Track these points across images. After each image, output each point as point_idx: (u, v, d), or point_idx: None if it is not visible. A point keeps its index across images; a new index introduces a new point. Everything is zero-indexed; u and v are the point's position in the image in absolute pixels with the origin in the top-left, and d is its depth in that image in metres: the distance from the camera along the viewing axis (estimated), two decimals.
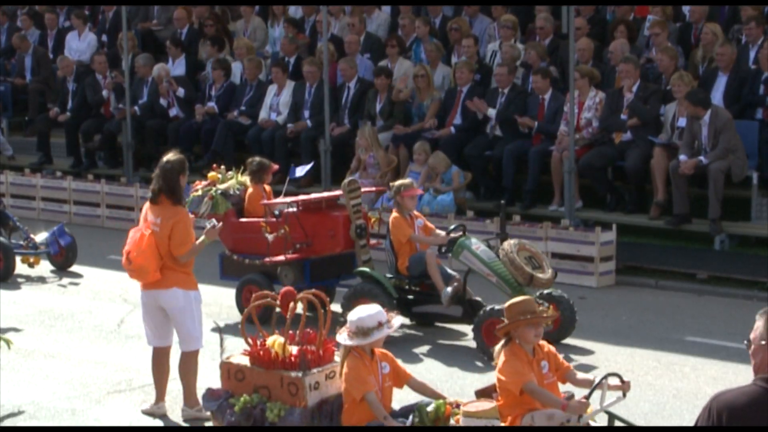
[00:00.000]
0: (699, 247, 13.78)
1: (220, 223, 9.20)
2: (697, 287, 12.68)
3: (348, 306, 10.38)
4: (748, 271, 12.69)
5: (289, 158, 16.72)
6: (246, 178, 11.80)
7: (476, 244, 10.71)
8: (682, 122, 13.67)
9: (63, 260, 14.04)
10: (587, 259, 13.08)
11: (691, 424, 8.66)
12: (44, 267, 13.95)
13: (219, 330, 8.10)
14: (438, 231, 11.25)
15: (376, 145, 15.46)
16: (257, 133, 16.81)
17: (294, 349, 7.36)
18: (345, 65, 16.54)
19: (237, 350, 7.89)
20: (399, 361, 7.63)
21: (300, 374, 7.21)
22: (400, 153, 15.54)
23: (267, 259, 11.32)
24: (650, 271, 13.27)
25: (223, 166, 11.87)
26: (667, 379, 9.83)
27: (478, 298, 10.87)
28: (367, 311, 7.18)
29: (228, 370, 7.55)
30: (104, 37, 20.72)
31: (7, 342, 9.25)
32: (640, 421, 8.84)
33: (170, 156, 8.73)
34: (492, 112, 15.11)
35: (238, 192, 11.68)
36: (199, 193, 11.42)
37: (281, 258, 11.27)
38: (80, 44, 20.12)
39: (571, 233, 13.24)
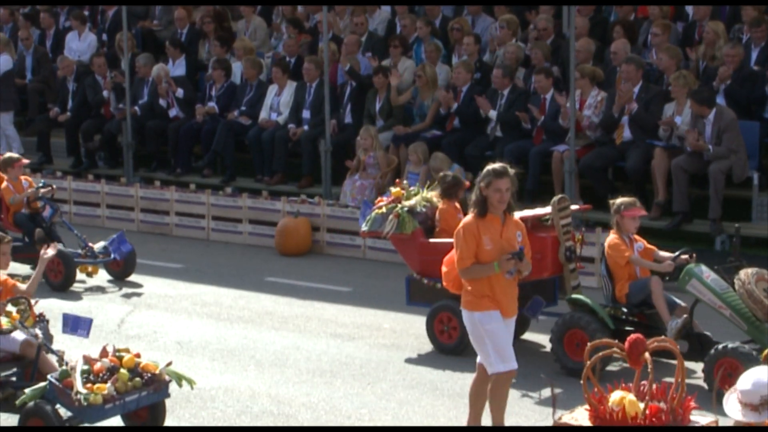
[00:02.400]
0: (699, 247, 13.75)
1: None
2: None
3: (559, 338, 9.92)
4: None
5: (290, 158, 16.75)
6: (431, 194, 10.99)
7: (707, 272, 9.68)
8: (678, 120, 13.66)
9: (121, 269, 13.50)
10: (587, 259, 13.05)
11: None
12: (102, 276, 13.53)
13: (550, 382, 7.68)
14: (662, 253, 10.19)
15: (377, 145, 15.46)
16: (257, 133, 16.81)
17: (643, 406, 6.26)
18: (348, 63, 16.53)
19: None
20: None
21: None
22: (400, 153, 15.54)
23: None
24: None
25: (406, 181, 11.05)
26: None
27: (707, 333, 9.82)
28: None
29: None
30: (104, 37, 20.71)
31: (190, 382, 8.35)
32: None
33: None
34: (493, 114, 15.10)
35: (424, 209, 10.86)
36: (383, 210, 10.73)
37: None
38: (80, 45, 20.11)
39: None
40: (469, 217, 8.10)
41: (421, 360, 10.44)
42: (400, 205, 10.75)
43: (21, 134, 19.65)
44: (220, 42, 18.25)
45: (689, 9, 16.08)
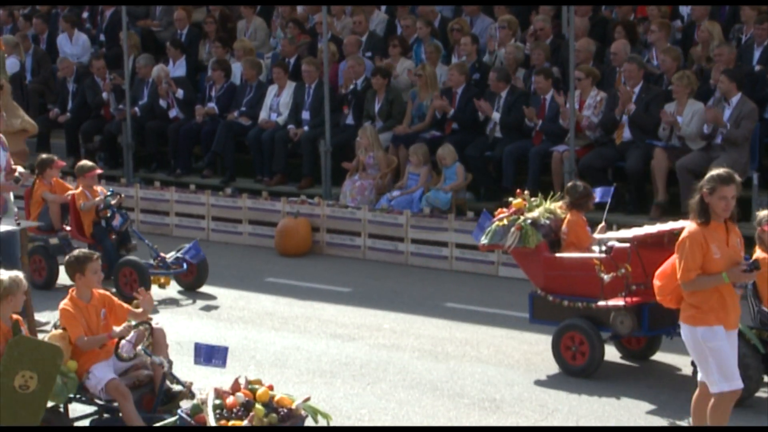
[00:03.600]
0: None
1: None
2: None
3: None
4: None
5: (289, 159, 16.75)
6: (554, 206, 10.38)
7: None
8: (680, 119, 13.65)
9: (192, 280, 12.93)
10: None
11: (691, 424, 8.69)
12: (173, 288, 13.00)
13: None
14: None
15: (376, 146, 15.45)
16: (257, 133, 16.81)
17: None
18: (353, 62, 16.53)
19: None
20: None
21: None
22: (400, 153, 15.54)
23: (601, 303, 9.70)
24: None
25: (527, 192, 10.47)
26: (667, 379, 9.83)
27: None
28: None
29: None
30: (101, 37, 20.73)
31: (326, 417, 7.73)
32: (640, 422, 8.84)
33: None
34: (496, 116, 15.09)
35: (547, 221, 10.24)
36: (505, 223, 10.10)
37: (620, 303, 9.64)
38: (73, 48, 20.11)
39: None
40: (693, 225, 7.66)
41: (421, 360, 10.44)
42: (522, 217, 10.11)
43: None
44: (222, 43, 18.26)
45: (686, 9, 16.07)
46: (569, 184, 10.82)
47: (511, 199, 10.43)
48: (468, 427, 8.66)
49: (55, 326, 8.32)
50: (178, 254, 12.87)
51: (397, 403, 9.32)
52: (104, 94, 18.58)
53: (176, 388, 8.13)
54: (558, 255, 10.12)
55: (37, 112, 19.91)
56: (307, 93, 16.74)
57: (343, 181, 15.54)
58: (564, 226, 10.28)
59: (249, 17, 19.18)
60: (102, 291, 8.40)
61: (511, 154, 14.74)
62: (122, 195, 13.45)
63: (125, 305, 8.42)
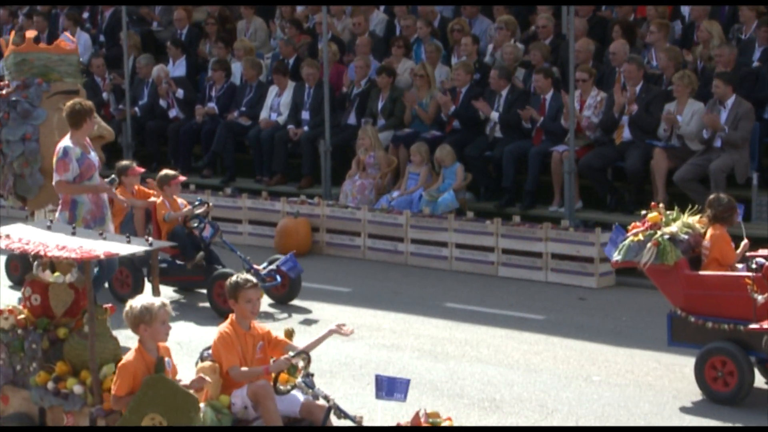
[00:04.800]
0: None
1: None
2: None
3: None
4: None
5: (289, 159, 16.75)
6: (693, 220, 9.73)
7: None
8: (680, 119, 13.65)
9: (284, 293, 12.35)
10: (587, 259, 13.07)
11: (692, 425, 8.68)
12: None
13: None
14: None
15: (376, 145, 15.46)
16: (257, 133, 16.81)
17: None
18: (362, 62, 16.53)
19: None
20: None
21: None
22: (399, 153, 15.54)
23: (753, 326, 8.99)
24: None
25: (662, 205, 9.84)
26: (667, 380, 9.83)
27: None
28: None
29: None
30: (101, 38, 20.72)
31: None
32: (640, 422, 8.84)
33: None
34: (495, 116, 15.09)
35: (686, 237, 9.54)
36: (640, 238, 9.47)
37: None
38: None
39: (571, 234, 13.24)
40: None
41: (420, 360, 10.44)
42: (659, 232, 9.43)
43: None
44: (225, 43, 18.26)
45: (686, 10, 16.08)
46: (711, 196, 9.97)
47: (644, 212, 9.78)
48: (468, 427, 8.66)
49: (202, 357, 7.71)
50: (272, 266, 12.26)
51: (397, 403, 9.31)
52: (104, 94, 18.59)
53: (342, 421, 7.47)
54: (701, 273, 9.44)
55: None
56: (306, 93, 16.74)
57: (342, 181, 15.54)
58: (706, 241, 9.59)
59: (249, 17, 19.18)
60: (261, 325, 7.83)
61: (511, 154, 14.74)
62: (210, 204, 12.95)
63: (282, 339, 7.78)
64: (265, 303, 11.93)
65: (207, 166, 17.41)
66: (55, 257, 7.33)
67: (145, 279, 12.33)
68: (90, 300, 7.34)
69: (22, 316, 7.94)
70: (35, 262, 8.06)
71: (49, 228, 7.84)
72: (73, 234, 7.66)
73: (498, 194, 15.00)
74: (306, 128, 16.56)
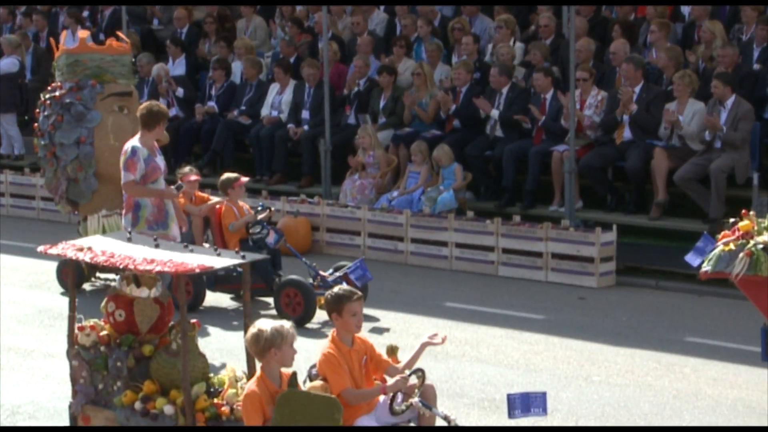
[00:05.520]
0: None
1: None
2: (697, 288, 12.65)
3: None
4: None
5: (289, 158, 16.74)
6: None
7: None
8: (681, 118, 13.64)
9: None
10: (587, 259, 13.07)
11: (692, 425, 8.68)
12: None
13: None
14: None
15: (376, 145, 15.45)
16: (257, 132, 16.81)
17: None
18: (360, 62, 16.53)
19: None
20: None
21: None
22: (399, 153, 15.54)
23: None
24: (650, 272, 13.26)
25: (752, 212, 9.26)
26: (667, 379, 9.82)
27: None
28: None
29: None
30: (101, 36, 20.70)
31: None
32: (640, 422, 8.84)
33: None
34: (495, 113, 15.09)
35: None
36: (731, 248, 8.92)
37: None
38: (75, 45, 20.08)
39: (571, 234, 13.23)
40: None
41: (420, 359, 10.41)
42: (752, 242, 8.90)
43: (21, 133, 19.66)
44: (225, 42, 18.26)
45: (687, 9, 16.07)
46: None
47: (734, 219, 9.16)
48: (468, 427, 8.64)
49: (310, 376, 7.20)
50: (339, 273, 11.75)
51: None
52: None
53: None
54: None
55: (37, 110, 19.92)
56: (307, 92, 16.74)
57: (343, 181, 15.54)
58: None
59: (249, 16, 19.18)
60: (362, 336, 7.37)
61: (511, 154, 14.73)
62: (272, 209, 12.57)
63: (384, 359, 7.43)
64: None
65: (207, 165, 17.39)
66: (147, 271, 6.88)
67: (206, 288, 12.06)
68: (183, 315, 6.92)
69: (105, 332, 7.51)
70: (117, 276, 7.56)
71: (129, 240, 7.44)
72: (157, 246, 7.25)
73: (498, 194, 14.99)
74: (306, 127, 16.56)
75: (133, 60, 12.95)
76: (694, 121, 13.58)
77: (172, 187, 11.10)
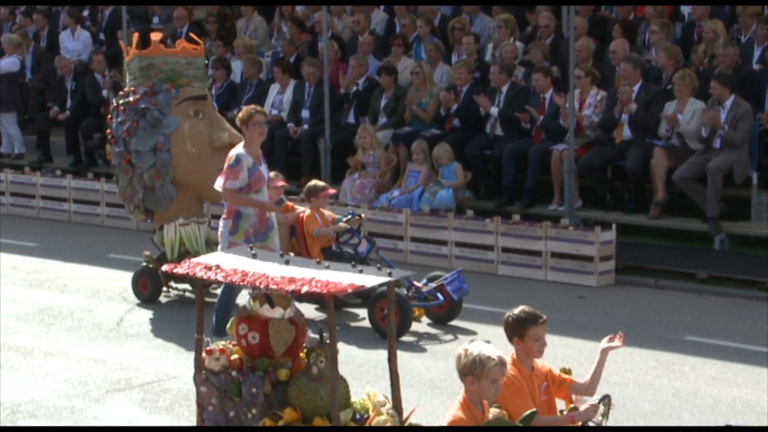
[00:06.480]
0: (699, 246, 13.78)
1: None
2: (696, 287, 12.67)
3: None
4: (748, 271, 12.69)
5: (289, 157, 16.74)
6: None
7: None
8: (680, 117, 13.65)
9: (444, 313, 11.37)
10: (587, 258, 13.07)
11: (691, 424, 8.68)
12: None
13: None
14: None
15: (376, 144, 15.46)
16: None
17: None
18: (355, 62, 16.54)
19: None
20: None
21: None
22: (399, 152, 15.54)
23: None
24: (650, 271, 13.26)
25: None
26: (667, 378, 9.83)
27: None
28: None
29: None
30: (102, 36, 20.72)
31: None
32: (639, 421, 8.84)
33: None
34: (495, 111, 15.11)
35: None
36: None
37: None
38: (75, 44, 20.13)
39: (570, 233, 13.24)
40: None
41: (420, 359, 10.43)
42: None
43: (21, 133, 19.70)
44: (225, 41, 18.26)
45: (687, 9, 16.08)
46: None
47: None
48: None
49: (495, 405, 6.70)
50: (434, 284, 11.30)
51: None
52: (104, 92, 18.58)
53: None
54: None
55: (36, 110, 19.96)
56: (307, 92, 16.76)
57: (342, 180, 15.54)
58: None
59: (249, 16, 19.19)
60: (542, 362, 6.90)
61: (510, 153, 14.75)
62: (362, 216, 12.16)
63: (567, 377, 6.94)
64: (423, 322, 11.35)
65: None
66: (294, 291, 6.22)
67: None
68: (332, 338, 6.41)
69: (236, 356, 6.91)
70: (247, 296, 6.97)
71: (254, 256, 6.83)
72: (287, 263, 6.62)
73: (498, 193, 15.00)
74: (306, 126, 16.56)
75: (207, 62, 12.38)
76: (693, 121, 13.59)
77: (274, 200, 10.78)
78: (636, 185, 14.10)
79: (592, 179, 14.36)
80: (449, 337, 11.11)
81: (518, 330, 6.64)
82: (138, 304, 12.24)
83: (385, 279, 6.46)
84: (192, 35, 12.89)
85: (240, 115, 10.44)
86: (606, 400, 6.74)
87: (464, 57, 16.11)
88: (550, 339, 10.88)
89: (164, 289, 12.35)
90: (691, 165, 13.40)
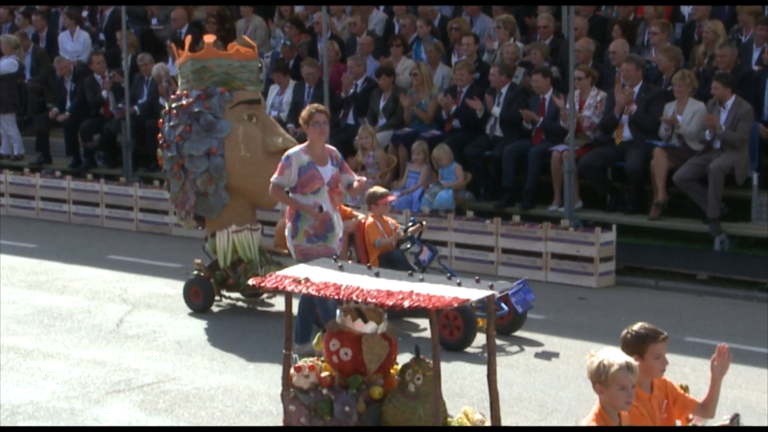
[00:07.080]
0: (699, 247, 13.77)
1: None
2: (697, 288, 12.67)
3: None
4: (748, 271, 12.68)
5: None
6: None
7: None
8: (680, 118, 13.64)
9: (507, 324, 10.94)
10: (587, 259, 13.06)
11: (690, 424, 8.65)
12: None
13: None
14: None
15: (375, 145, 15.46)
16: None
17: None
18: (353, 63, 16.54)
19: None
20: None
21: None
22: (399, 153, 15.54)
23: None
24: (650, 272, 13.26)
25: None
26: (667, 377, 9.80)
27: None
28: None
29: None
30: (101, 36, 20.72)
31: None
32: None
33: None
34: (497, 111, 15.10)
35: None
36: None
37: None
38: (75, 45, 20.13)
39: (570, 234, 13.23)
40: None
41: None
42: None
43: (20, 134, 19.69)
44: (224, 42, 18.23)
45: (687, 9, 16.08)
46: None
47: None
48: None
49: None
50: (499, 293, 11.12)
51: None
52: (103, 93, 18.59)
53: None
54: None
55: (36, 111, 19.96)
56: (307, 92, 16.74)
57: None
58: None
59: (248, 16, 19.18)
60: (664, 378, 6.58)
61: (510, 154, 14.74)
62: (424, 223, 11.67)
63: (690, 398, 6.68)
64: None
65: None
66: (396, 306, 6.00)
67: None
68: (436, 355, 6.16)
69: (326, 373, 6.70)
70: (338, 310, 6.75)
71: (341, 268, 6.60)
72: (377, 275, 6.39)
73: (498, 194, 14.99)
74: None
75: (260, 65, 12.15)
76: (693, 121, 13.58)
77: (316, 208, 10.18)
78: (636, 186, 14.09)
79: (592, 180, 14.36)
80: (515, 348, 10.76)
81: (638, 348, 6.23)
82: (190, 314, 11.96)
83: (487, 292, 6.23)
84: (245, 38, 12.56)
85: (302, 114, 10.22)
86: (735, 420, 6.45)
87: (464, 57, 16.10)
88: (550, 340, 10.95)
89: (216, 298, 12.07)
90: (691, 166, 13.39)
